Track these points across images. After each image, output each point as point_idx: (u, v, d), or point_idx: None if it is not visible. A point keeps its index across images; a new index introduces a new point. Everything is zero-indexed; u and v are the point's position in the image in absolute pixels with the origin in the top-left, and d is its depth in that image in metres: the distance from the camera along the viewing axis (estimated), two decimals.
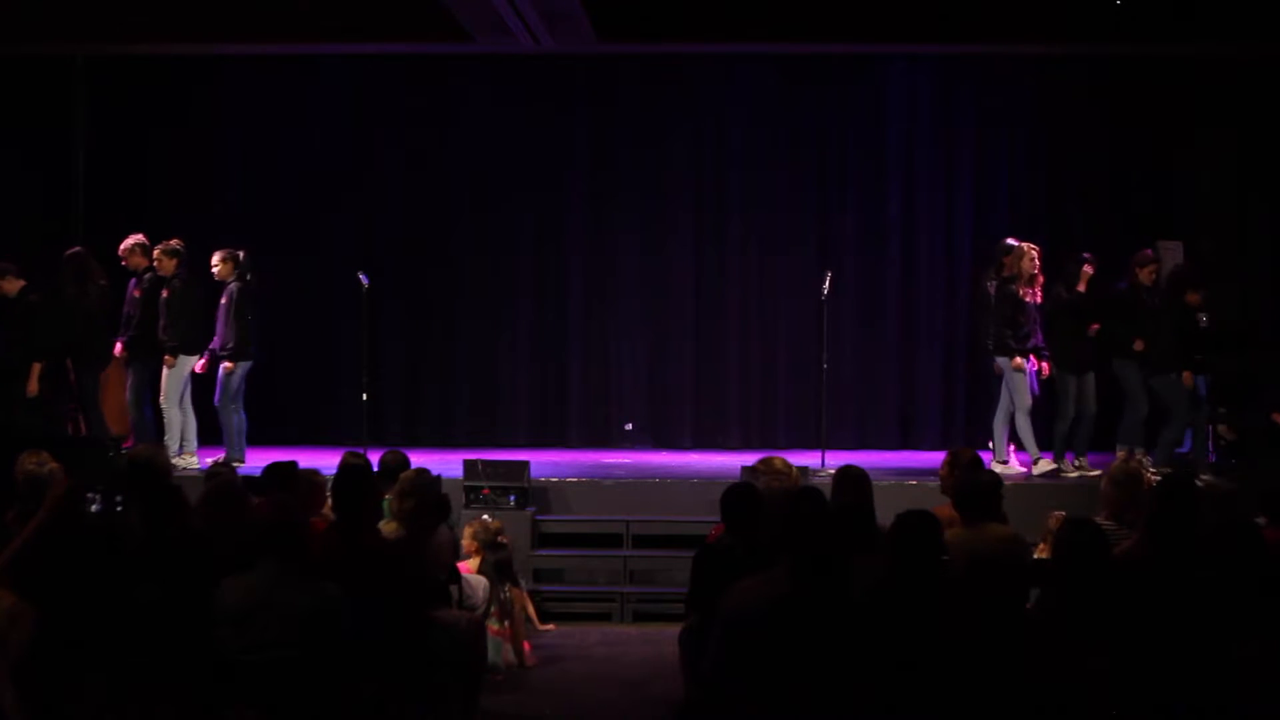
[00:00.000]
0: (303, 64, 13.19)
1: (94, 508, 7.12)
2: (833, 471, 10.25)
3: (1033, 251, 10.78)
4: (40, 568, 5.28)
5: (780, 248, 13.31)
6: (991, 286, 10.89)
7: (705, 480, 10.48)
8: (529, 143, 13.35)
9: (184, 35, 11.62)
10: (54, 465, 6.82)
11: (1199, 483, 8.01)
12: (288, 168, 13.42)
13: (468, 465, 10.13)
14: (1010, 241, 10.97)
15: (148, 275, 11.04)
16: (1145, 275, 10.86)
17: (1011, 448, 11.03)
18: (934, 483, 9.72)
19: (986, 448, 10.84)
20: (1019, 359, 10.69)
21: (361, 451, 8.10)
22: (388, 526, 6.70)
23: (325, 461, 8.19)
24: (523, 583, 9.30)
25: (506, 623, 8.31)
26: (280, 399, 13.25)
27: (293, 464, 7.03)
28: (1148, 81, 12.75)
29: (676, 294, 13.35)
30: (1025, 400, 10.74)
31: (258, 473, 7.31)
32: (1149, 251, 11.08)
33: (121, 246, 11.17)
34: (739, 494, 6.36)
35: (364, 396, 11.49)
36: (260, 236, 13.28)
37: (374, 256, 12.87)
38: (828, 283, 11.22)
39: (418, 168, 13.38)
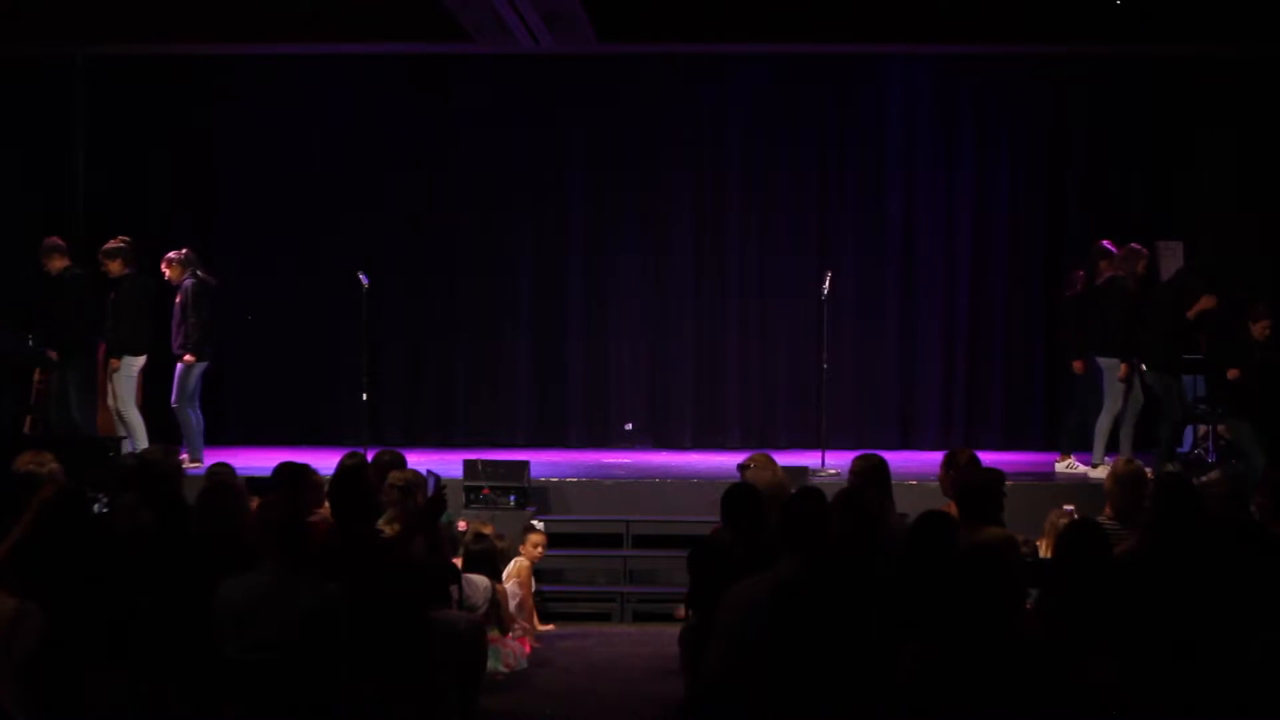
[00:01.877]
0: (303, 64, 13.18)
1: (96, 508, 7.11)
2: (833, 471, 10.36)
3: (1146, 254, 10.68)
4: (38, 568, 5.26)
5: (780, 248, 13.30)
6: (1100, 283, 10.70)
7: (705, 480, 10.48)
8: (529, 143, 13.35)
9: (183, 35, 11.62)
10: (55, 466, 6.84)
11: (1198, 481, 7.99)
12: (288, 168, 13.41)
13: (468, 465, 10.12)
14: (1107, 245, 10.87)
15: (70, 272, 10.93)
16: (1258, 330, 10.57)
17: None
18: (934, 483, 9.77)
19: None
20: (1127, 366, 10.51)
21: (361, 451, 8.09)
22: (387, 527, 6.69)
23: (325, 461, 8.19)
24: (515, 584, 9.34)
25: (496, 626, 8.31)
26: (280, 399, 13.28)
27: (305, 466, 7.01)
28: (1148, 81, 12.76)
29: (676, 294, 13.35)
30: (1119, 404, 10.59)
31: (199, 475, 7.26)
32: (1262, 308, 10.74)
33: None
34: (739, 494, 6.36)
35: (364, 396, 11.49)
36: (260, 236, 13.36)
37: (374, 256, 12.86)
38: (828, 283, 11.21)
39: (417, 168, 13.38)
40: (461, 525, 9.02)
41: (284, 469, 6.93)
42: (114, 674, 4.99)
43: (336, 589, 5.35)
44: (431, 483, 7.06)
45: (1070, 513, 7.78)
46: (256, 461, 10.56)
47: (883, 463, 6.94)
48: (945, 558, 5.02)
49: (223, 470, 7.24)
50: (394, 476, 7.14)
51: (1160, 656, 4.76)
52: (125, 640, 5.14)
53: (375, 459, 7.69)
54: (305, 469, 6.96)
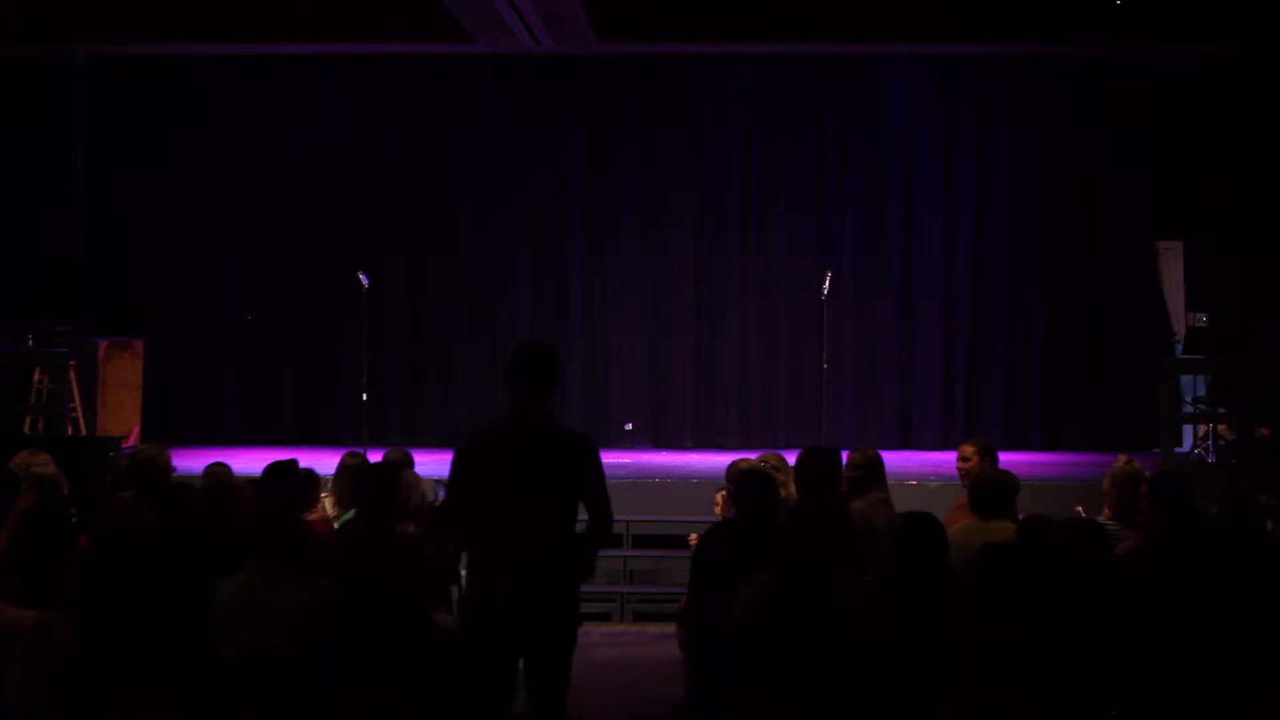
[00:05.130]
0: (303, 64, 13.19)
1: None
2: None
3: None
4: (35, 576, 5.23)
5: (780, 248, 13.29)
6: None
7: (705, 480, 10.45)
8: (529, 142, 13.35)
9: (184, 35, 11.65)
10: (53, 468, 6.83)
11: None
12: (288, 168, 13.41)
13: None
14: None
15: None
16: None
17: None
18: (934, 482, 9.83)
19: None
20: None
21: (361, 451, 8.09)
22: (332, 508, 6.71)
23: (325, 461, 8.19)
24: None
25: None
26: (280, 399, 13.27)
27: (294, 462, 7.01)
28: (1148, 81, 12.77)
29: (676, 294, 13.34)
30: None
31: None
32: None
33: None
34: (757, 480, 6.32)
35: (364, 396, 11.48)
36: (260, 236, 13.34)
37: (374, 256, 12.85)
38: (828, 283, 11.21)
39: (417, 168, 13.37)
40: None
41: (274, 468, 6.93)
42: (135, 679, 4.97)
43: (330, 583, 5.33)
44: (443, 491, 7.04)
45: (1079, 513, 7.77)
46: (256, 461, 10.54)
47: (876, 458, 6.95)
48: (935, 558, 5.01)
49: (221, 470, 7.24)
50: (347, 458, 7.23)
51: (1159, 656, 4.76)
52: (131, 643, 5.13)
53: (384, 458, 7.68)
54: (295, 465, 6.95)
